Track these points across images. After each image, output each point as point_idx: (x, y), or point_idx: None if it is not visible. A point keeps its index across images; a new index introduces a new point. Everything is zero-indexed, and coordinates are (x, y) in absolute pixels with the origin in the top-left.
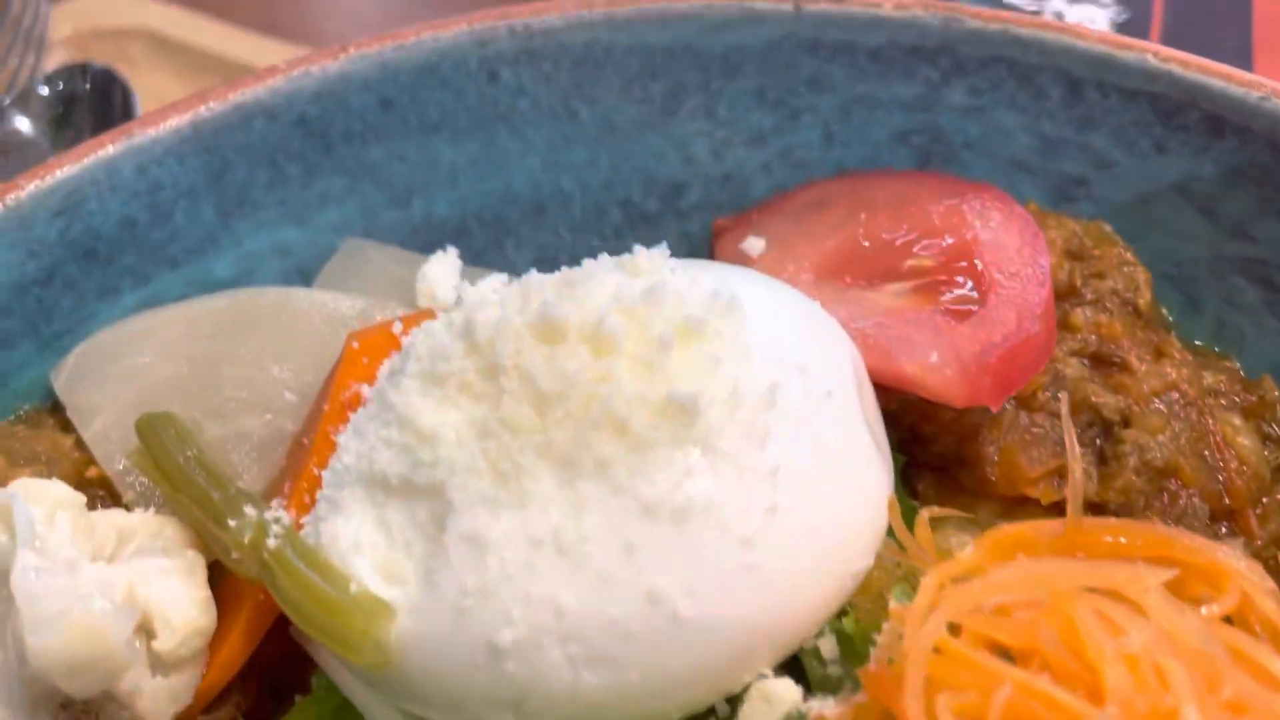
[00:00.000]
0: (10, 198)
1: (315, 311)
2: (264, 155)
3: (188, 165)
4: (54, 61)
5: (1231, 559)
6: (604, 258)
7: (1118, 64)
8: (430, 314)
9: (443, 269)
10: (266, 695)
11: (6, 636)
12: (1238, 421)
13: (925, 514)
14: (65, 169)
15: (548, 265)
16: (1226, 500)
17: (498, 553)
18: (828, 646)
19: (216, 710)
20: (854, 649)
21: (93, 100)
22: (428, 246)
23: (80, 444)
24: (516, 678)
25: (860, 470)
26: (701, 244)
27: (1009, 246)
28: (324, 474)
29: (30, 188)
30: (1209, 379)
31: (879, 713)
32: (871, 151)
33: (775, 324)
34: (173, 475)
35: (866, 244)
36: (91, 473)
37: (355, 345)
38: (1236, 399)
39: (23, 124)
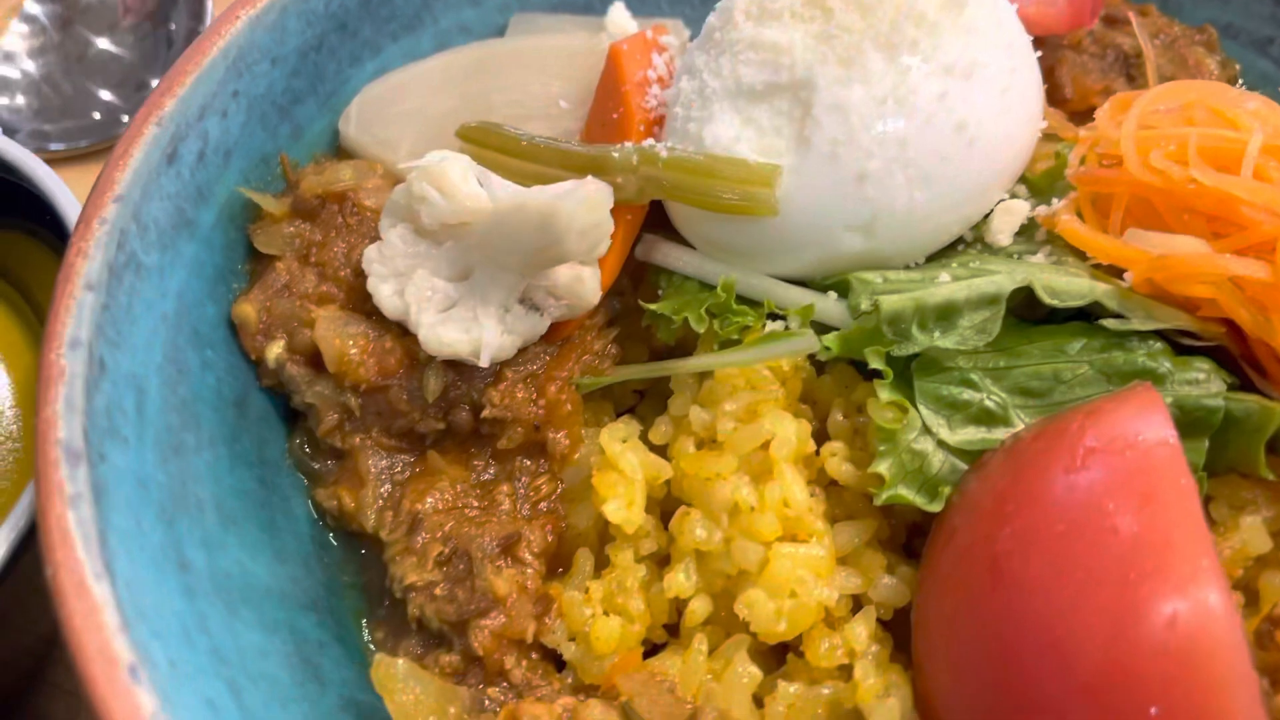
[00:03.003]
0: None
1: (552, 46)
2: None
3: None
4: None
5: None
6: None
7: None
8: (663, 26)
9: (620, 14)
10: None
11: (473, 239)
12: (1200, 50)
13: (1052, 111)
14: None
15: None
16: None
17: (856, 110)
18: (1022, 191)
19: (594, 315)
20: (1038, 189)
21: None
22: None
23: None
24: (872, 200)
25: (1034, 61)
26: None
27: None
28: (674, 109)
29: None
30: (1176, 28)
31: (1090, 197)
32: None
33: None
34: (523, 152)
35: None
36: None
37: (625, 47)
38: (1193, 38)
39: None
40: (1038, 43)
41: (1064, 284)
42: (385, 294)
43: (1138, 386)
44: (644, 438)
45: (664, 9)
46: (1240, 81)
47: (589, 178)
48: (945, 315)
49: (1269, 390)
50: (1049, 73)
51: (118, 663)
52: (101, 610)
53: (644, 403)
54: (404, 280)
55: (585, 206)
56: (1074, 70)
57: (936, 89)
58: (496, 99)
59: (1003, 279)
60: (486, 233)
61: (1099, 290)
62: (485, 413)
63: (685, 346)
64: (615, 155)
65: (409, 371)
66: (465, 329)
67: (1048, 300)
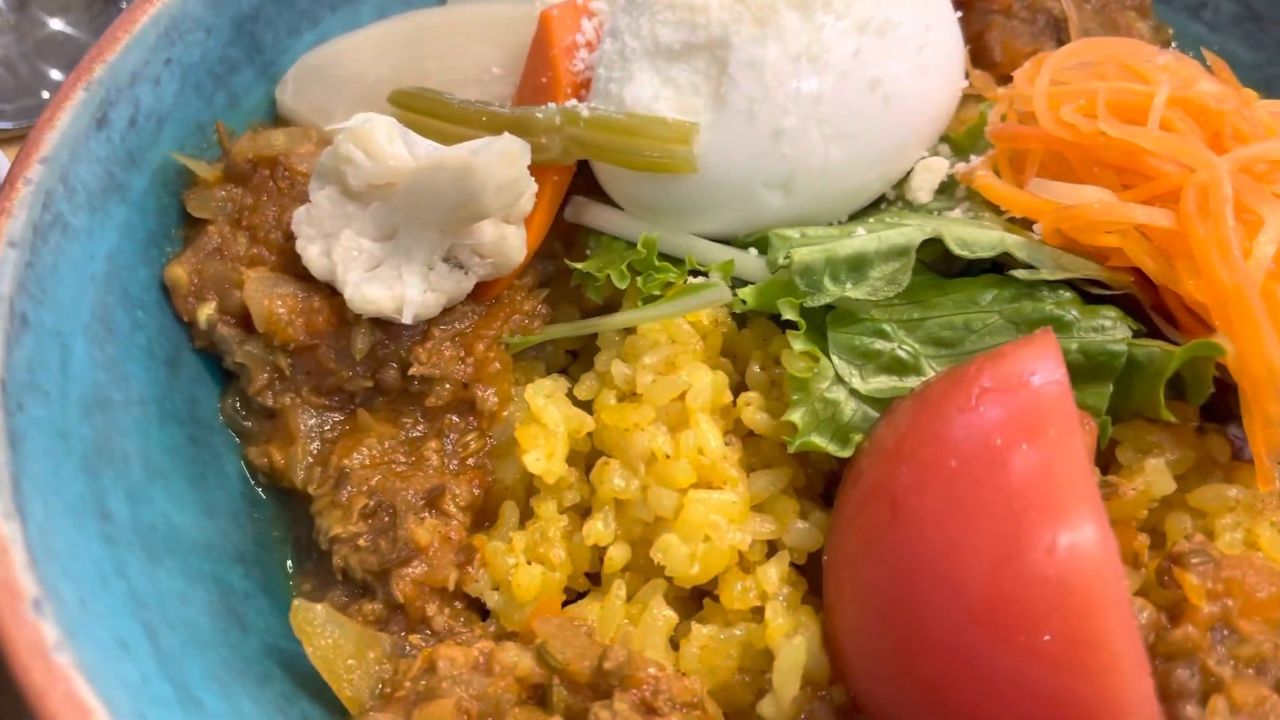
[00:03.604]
0: None
1: (487, 14)
2: None
3: None
4: None
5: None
6: None
7: None
8: None
9: None
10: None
11: (401, 215)
12: (1132, 14)
13: (978, 73)
14: None
15: None
16: None
17: (772, 68)
18: (945, 150)
19: (524, 276)
20: (960, 148)
21: None
22: None
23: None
24: (789, 157)
25: (954, 22)
26: None
27: None
28: (598, 70)
29: None
30: None
31: (1007, 154)
32: None
33: None
34: (450, 114)
35: None
36: None
37: (555, 13)
38: (1124, 3)
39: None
40: (966, 5)
41: (974, 235)
42: (313, 255)
43: (1039, 332)
44: (572, 395)
45: None
46: (1174, 45)
47: (505, 134)
48: (856, 267)
49: (1177, 338)
50: (978, 36)
51: (22, 596)
52: (9, 548)
53: (575, 363)
54: (332, 241)
55: (501, 161)
56: (1003, 34)
57: (850, 46)
58: (432, 66)
59: (912, 231)
60: (409, 192)
61: (1009, 241)
62: (412, 370)
63: (614, 306)
64: (539, 116)
65: (337, 331)
66: (389, 287)
67: (957, 251)
